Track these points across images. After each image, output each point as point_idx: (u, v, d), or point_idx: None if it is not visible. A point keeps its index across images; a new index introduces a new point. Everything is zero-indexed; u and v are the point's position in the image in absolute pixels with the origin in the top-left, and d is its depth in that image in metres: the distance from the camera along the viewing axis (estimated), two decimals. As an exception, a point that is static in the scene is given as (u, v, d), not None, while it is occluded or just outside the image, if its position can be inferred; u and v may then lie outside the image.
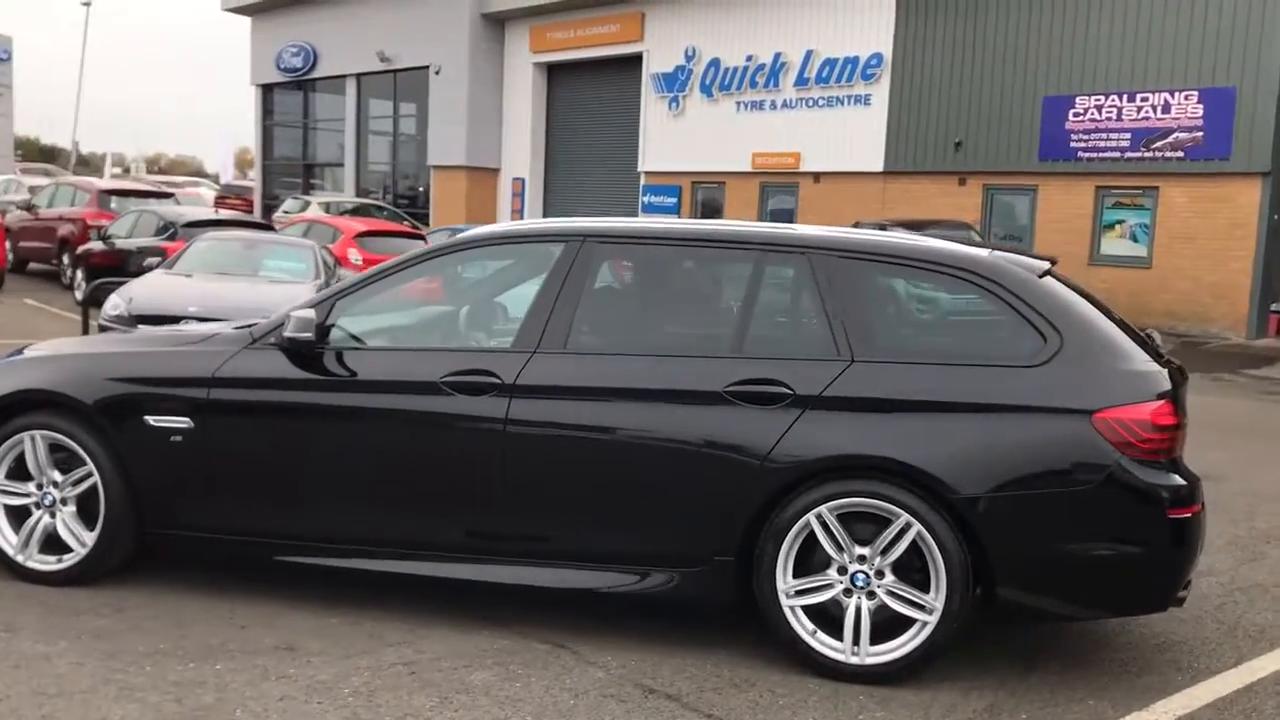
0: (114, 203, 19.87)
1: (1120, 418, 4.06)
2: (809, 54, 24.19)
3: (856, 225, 19.64)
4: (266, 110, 39.00)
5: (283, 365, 4.62)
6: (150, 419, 4.68)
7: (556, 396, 4.38)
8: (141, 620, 4.45)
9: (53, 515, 4.83)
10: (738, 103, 25.76)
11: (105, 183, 23.09)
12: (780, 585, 4.21)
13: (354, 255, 16.88)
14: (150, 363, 4.84)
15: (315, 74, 35.83)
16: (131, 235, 17.06)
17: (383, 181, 34.48)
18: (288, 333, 4.56)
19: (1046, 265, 4.53)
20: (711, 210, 26.35)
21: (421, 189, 32.62)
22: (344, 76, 34.90)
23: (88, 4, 53.23)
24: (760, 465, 4.19)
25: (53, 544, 4.84)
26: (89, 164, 65.09)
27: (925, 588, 4.13)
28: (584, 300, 4.51)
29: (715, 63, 26.02)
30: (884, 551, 4.14)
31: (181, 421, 4.65)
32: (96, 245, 17.59)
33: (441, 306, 5.11)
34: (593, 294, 4.57)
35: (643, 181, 27.93)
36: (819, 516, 4.16)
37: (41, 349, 5.24)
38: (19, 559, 4.83)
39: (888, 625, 4.18)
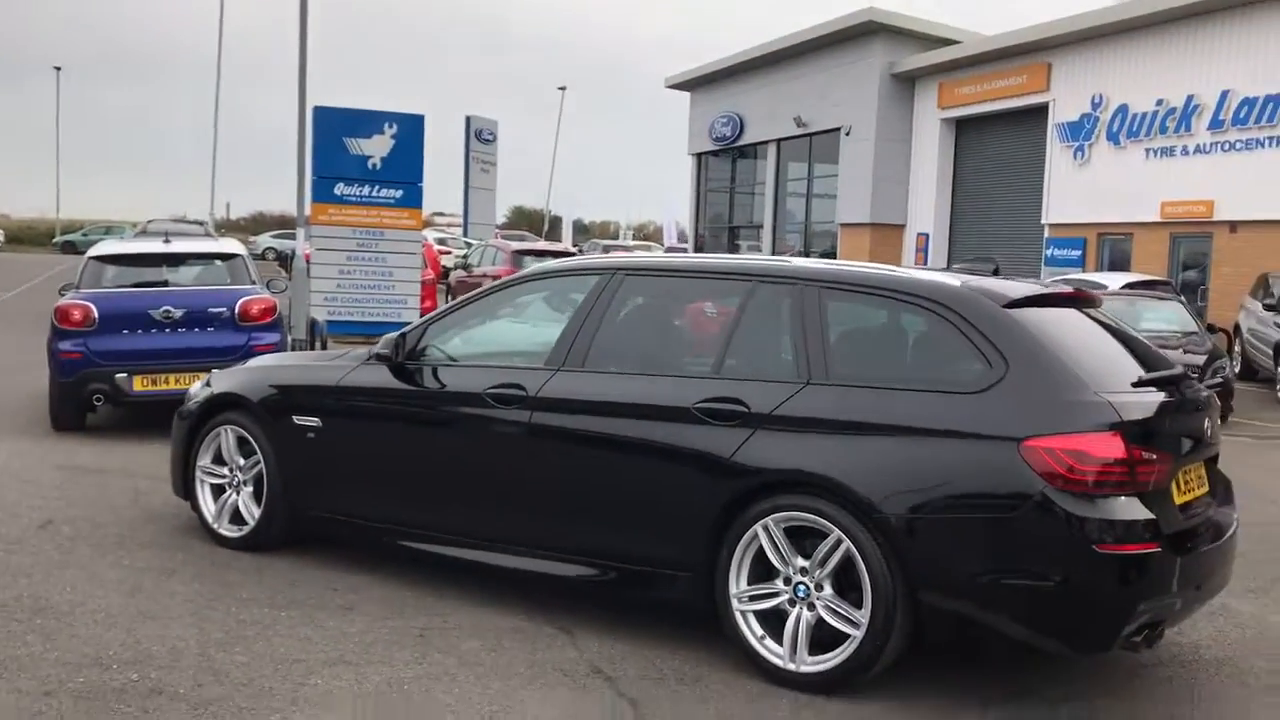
0: (525, 260, 22.55)
1: (1050, 447, 3.99)
2: (1225, 94, 22.30)
3: (1265, 277, 17.88)
4: (700, 177, 41.76)
5: (385, 377, 5.59)
6: (295, 418, 5.83)
7: (567, 409, 4.98)
8: (269, 578, 5.55)
9: (238, 493, 6.12)
10: (1146, 149, 24.23)
11: (517, 244, 26.08)
12: (733, 590, 4.51)
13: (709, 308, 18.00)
14: (297, 374, 6.03)
15: (742, 141, 37.94)
16: (524, 288, 19.35)
17: (792, 241, 35.68)
18: (375, 350, 5.54)
19: (1025, 294, 4.47)
20: (1118, 263, 24.83)
21: (830, 246, 33.44)
22: (766, 143, 36.69)
23: (563, 88, 59.77)
24: (718, 477, 4.53)
25: (237, 516, 6.13)
26: (589, 230, 72.60)
27: (861, 604, 4.26)
28: (605, 325, 5.08)
29: (1123, 109, 24.67)
30: (821, 565, 4.33)
31: (314, 420, 5.76)
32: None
33: (518, 328, 5.86)
34: (614, 319, 5.12)
35: (1046, 234, 26.92)
36: (765, 528, 4.42)
37: (247, 363, 6.61)
38: (214, 526, 6.15)
39: (831, 638, 4.34)
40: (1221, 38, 22.48)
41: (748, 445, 4.48)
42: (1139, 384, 4.30)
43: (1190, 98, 23.03)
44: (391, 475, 5.54)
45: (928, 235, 30.78)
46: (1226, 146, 22.43)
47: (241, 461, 6.11)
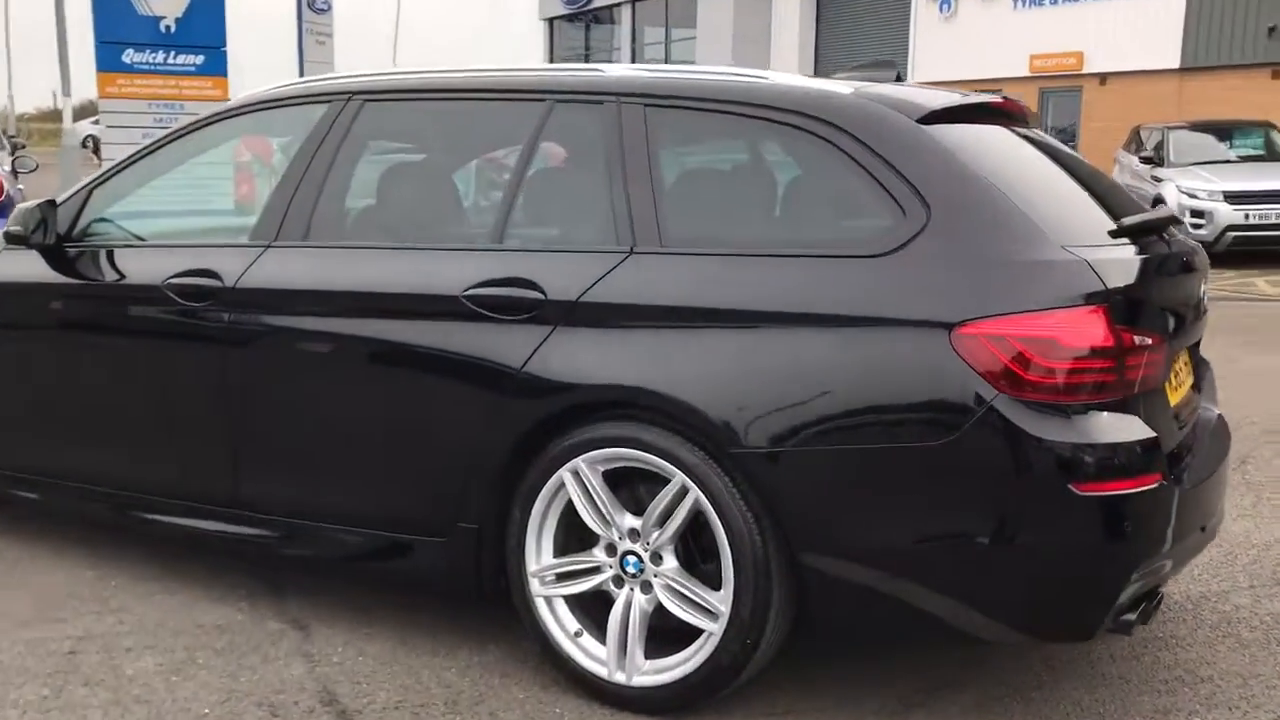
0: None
1: (999, 333, 2.55)
2: (1095, -64, 21.15)
3: (1138, 130, 16.94)
4: (553, 45, 39.40)
5: (27, 268, 3.84)
6: (-83, 332, 4.06)
7: (279, 306, 3.35)
8: (-118, 562, 3.87)
9: None
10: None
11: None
12: (531, 566, 3.02)
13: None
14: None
15: (594, 4, 35.67)
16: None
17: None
18: (7, 228, 3.79)
19: (945, 104, 2.99)
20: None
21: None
22: (619, 4, 34.53)
23: (404, -47, 55.82)
24: (503, 399, 2.99)
25: None
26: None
27: (720, 582, 2.82)
28: (335, 177, 3.44)
29: (990, -45, 23.38)
30: (660, 525, 2.86)
31: (-61, 335, 4.00)
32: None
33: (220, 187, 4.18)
34: (348, 168, 3.48)
35: (912, 95, 25.71)
36: (575, 473, 2.92)
37: None
38: None
39: (681, 630, 2.90)
40: (1091, -125, 21.24)
41: (545, 350, 2.94)
42: (1119, 233, 2.88)
43: (1058, -59, 21.85)
44: (45, 410, 3.85)
45: (790, 99, 29.33)
46: (1096, -7, 21.38)
47: None
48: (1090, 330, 2.55)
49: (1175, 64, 19.90)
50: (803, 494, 2.68)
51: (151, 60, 16.68)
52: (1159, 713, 2.96)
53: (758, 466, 2.69)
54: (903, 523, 2.64)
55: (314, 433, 3.30)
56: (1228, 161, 15.32)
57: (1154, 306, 2.77)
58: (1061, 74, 22.11)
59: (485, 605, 3.23)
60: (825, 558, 2.70)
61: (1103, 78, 21.36)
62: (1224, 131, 16.21)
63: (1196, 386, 3.34)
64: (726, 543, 2.74)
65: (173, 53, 16.81)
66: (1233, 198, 13.98)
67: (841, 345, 2.67)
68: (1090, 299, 2.57)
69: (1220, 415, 3.44)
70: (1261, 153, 15.65)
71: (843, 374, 2.66)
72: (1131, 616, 2.67)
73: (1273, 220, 13.86)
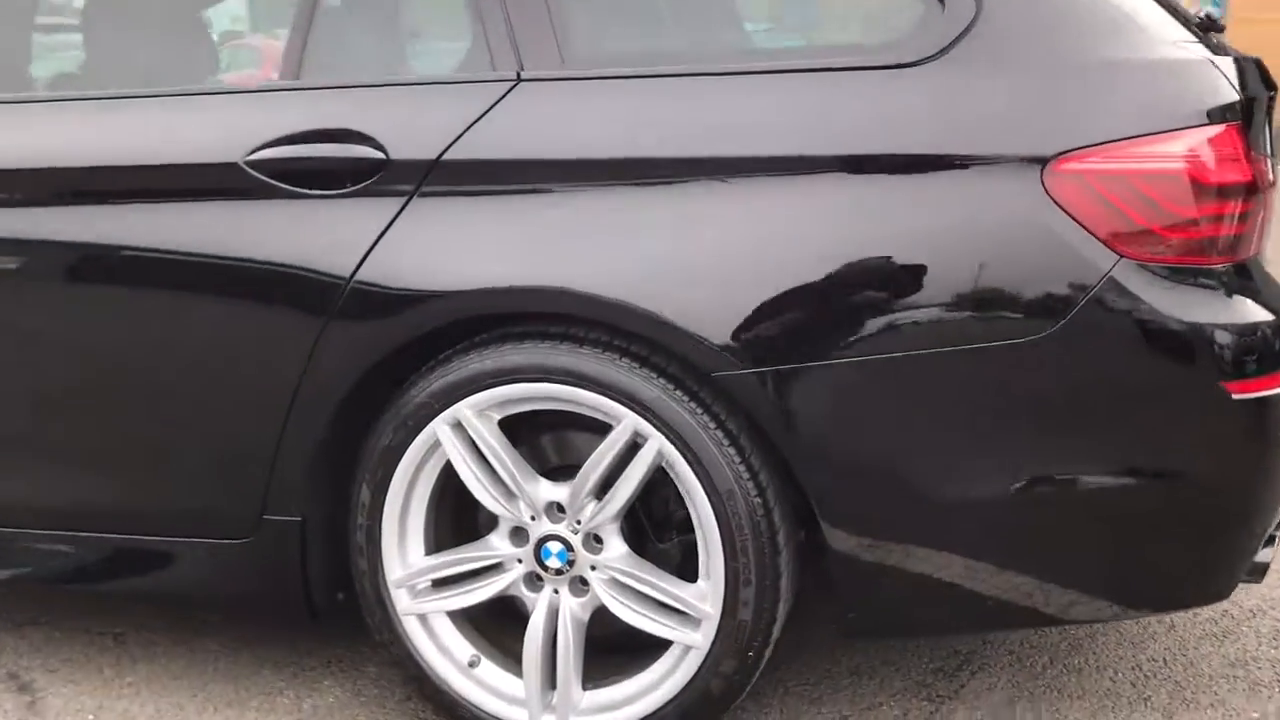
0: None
1: (1117, 169, 1.71)
2: None
3: None
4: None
5: None
6: None
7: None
8: None
9: None
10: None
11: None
12: (393, 571, 1.99)
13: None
14: None
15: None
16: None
17: None
18: None
19: None
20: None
21: None
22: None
23: None
24: (328, 323, 1.92)
25: None
26: None
27: (693, 573, 1.90)
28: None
29: None
30: (598, 495, 1.89)
31: None
32: None
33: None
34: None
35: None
36: (457, 424, 1.90)
37: None
38: None
39: (640, 640, 1.96)
40: None
41: (394, 240, 1.88)
42: (1204, 27, 2.08)
43: None
44: None
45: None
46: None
47: None
48: (1229, 158, 1.75)
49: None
50: (822, 435, 1.78)
51: None
52: (1234, 665, 2.30)
53: (757, 394, 1.77)
54: (983, 464, 1.78)
55: (11, 393, 2.11)
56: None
57: (1261, 127, 2.01)
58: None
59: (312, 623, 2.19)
60: (861, 527, 1.82)
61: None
62: None
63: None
64: (712, 513, 1.81)
65: None
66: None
67: (869, 202, 1.76)
68: (1221, 115, 1.77)
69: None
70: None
71: (876, 245, 1.76)
72: (1267, 554, 1.93)
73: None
